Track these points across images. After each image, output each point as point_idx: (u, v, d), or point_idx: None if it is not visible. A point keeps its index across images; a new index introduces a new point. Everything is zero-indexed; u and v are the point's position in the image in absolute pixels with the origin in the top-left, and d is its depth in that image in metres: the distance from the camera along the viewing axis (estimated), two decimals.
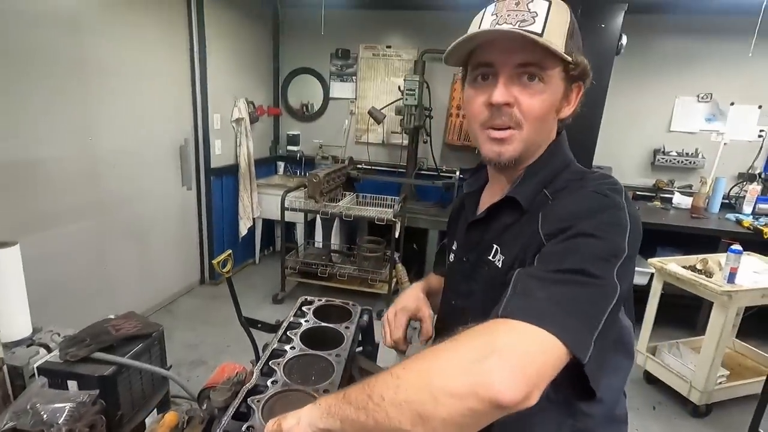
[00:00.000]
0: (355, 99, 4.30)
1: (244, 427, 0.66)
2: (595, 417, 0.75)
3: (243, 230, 3.96)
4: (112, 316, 1.21)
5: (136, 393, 1.09)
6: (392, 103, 3.86)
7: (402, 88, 3.58)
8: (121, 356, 1.04)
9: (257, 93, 4.16)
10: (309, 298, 1.10)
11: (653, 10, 3.41)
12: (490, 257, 0.78)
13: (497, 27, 0.68)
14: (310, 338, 0.92)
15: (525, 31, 0.66)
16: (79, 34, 2.40)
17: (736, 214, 3.34)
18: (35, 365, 1.00)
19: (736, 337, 2.83)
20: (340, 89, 4.32)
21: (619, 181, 0.72)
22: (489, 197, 0.86)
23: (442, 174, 3.97)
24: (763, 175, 3.57)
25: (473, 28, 0.72)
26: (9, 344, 1.05)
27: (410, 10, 3.93)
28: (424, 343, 0.94)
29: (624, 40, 2.84)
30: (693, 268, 2.50)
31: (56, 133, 2.35)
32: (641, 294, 2.50)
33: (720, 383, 2.42)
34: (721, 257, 2.43)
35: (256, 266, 4.30)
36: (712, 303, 2.31)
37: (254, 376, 0.78)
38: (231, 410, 0.70)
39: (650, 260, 2.61)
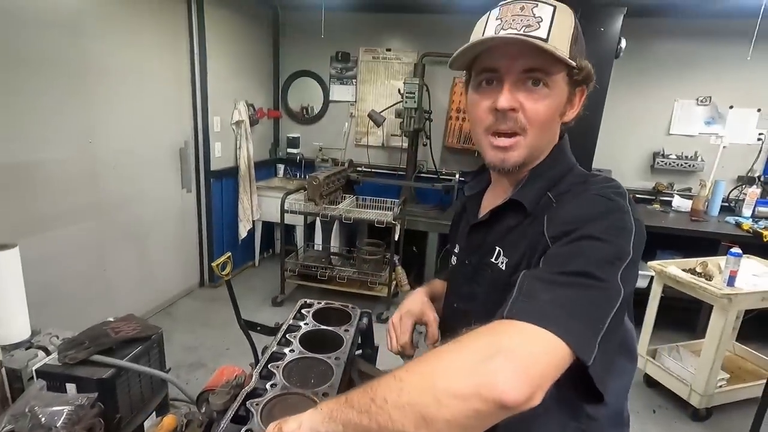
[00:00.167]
0: (355, 102, 4.30)
1: (242, 431, 0.65)
2: (599, 420, 0.75)
3: (242, 233, 3.96)
4: (111, 319, 1.20)
5: (134, 396, 1.08)
6: (392, 106, 3.86)
7: (402, 91, 3.59)
8: (120, 359, 1.03)
9: (257, 95, 4.16)
10: (308, 300, 1.10)
11: (652, 14, 3.41)
12: (493, 260, 0.78)
13: (502, 32, 0.68)
14: (310, 341, 0.91)
15: (530, 36, 0.66)
16: (81, 38, 2.41)
17: (736, 217, 3.34)
18: (34, 368, 1.00)
19: (736, 340, 2.82)
20: (340, 92, 4.33)
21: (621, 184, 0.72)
22: (491, 200, 0.86)
23: (441, 177, 3.97)
24: (762, 178, 3.57)
25: (477, 32, 0.72)
26: (7, 347, 1.05)
27: (410, 13, 3.94)
28: (431, 348, 0.93)
29: (623, 43, 2.85)
30: (693, 271, 2.50)
31: (56, 136, 2.35)
32: (641, 297, 2.49)
33: (720, 387, 2.41)
34: (721, 260, 2.43)
35: (256, 269, 4.29)
36: (712, 306, 2.31)
37: (253, 379, 0.78)
38: (230, 413, 0.70)
39: (650, 263, 2.61)
